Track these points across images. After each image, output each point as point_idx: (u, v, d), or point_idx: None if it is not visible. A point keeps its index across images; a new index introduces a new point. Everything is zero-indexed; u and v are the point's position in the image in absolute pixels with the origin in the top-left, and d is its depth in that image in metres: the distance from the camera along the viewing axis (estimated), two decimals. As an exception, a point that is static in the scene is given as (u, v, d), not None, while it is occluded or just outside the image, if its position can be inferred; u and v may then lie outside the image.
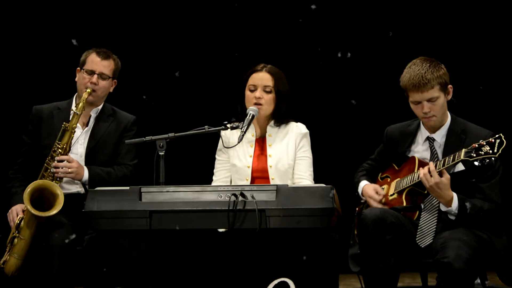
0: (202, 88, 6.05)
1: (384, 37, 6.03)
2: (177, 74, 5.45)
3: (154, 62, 6.04)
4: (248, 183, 4.13)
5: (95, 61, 4.26)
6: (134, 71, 5.75)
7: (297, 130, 4.20)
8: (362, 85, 6.06)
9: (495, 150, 3.55)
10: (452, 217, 3.74)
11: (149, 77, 6.03)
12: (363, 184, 4.07)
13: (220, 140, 4.22)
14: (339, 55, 5.92)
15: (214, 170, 4.27)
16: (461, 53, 5.91)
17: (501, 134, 3.60)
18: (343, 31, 6.07)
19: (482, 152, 3.56)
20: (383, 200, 3.95)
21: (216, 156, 4.27)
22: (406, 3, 6.03)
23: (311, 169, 4.20)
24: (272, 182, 4.11)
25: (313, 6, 5.75)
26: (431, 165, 3.71)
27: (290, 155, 4.16)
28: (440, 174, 3.68)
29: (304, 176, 4.16)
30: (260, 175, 4.15)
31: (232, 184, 4.21)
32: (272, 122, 4.21)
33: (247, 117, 4.03)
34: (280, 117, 4.19)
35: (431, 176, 3.67)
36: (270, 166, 4.14)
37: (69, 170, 4.08)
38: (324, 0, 6.06)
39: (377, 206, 3.90)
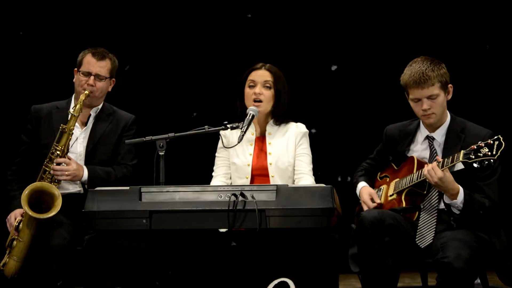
0: (202, 88, 6.04)
1: (384, 37, 6.03)
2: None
3: (154, 62, 6.04)
4: (248, 181, 4.13)
5: (91, 63, 4.22)
6: (134, 71, 5.76)
7: (297, 129, 4.21)
8: (362, 85, 6.06)
9: (494, 152, 3.53)
10: (456, 211, 3.73)
11: (149, 77, 6.03)
12: (361, 186, 4.07)
13: (220, 140, 4.22)
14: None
15: (214, 167, 4.28)
16: (461, 53, 5.91)
17: (499, 136, 3.58)
18: (343, 31, 6.07)
19: (481, 154, 3.55)
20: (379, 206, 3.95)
21: (217, 154, 4.28)
22: (406, 3, 6.03)
23: (311, 166, 4.20)
24: (272, 180, 4.12)
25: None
26: (433, 163, 3.69)
27: (290, 153, 4.16)
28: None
29: (305, 172, 4.16)
30: (260, 173, 4.16)
31: (232, 182, 4.22)
32: (272, 121, 4.21)
33: (247, 117, 4.03)
34: (280, 116, 4.20)
35: (434, 172, 3.66)
36: (270, 164, 4.14)
37: (66, 173, 4.06)
38: (326, 3, 6.08)
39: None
